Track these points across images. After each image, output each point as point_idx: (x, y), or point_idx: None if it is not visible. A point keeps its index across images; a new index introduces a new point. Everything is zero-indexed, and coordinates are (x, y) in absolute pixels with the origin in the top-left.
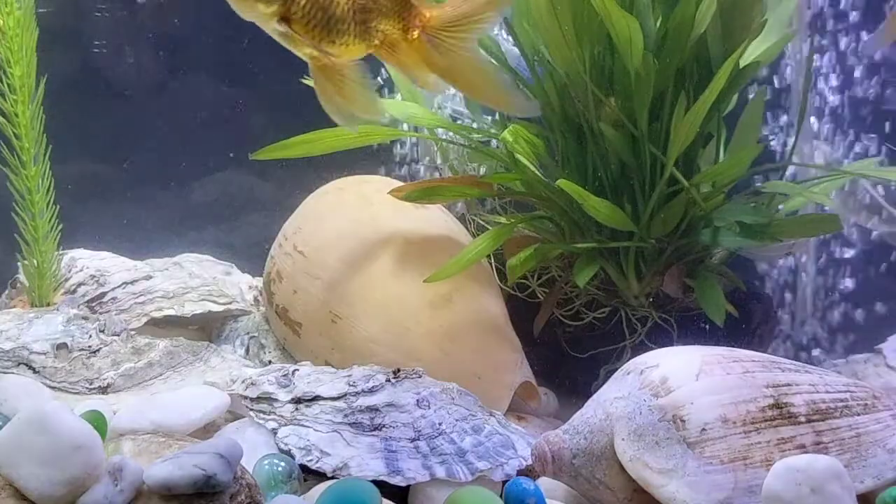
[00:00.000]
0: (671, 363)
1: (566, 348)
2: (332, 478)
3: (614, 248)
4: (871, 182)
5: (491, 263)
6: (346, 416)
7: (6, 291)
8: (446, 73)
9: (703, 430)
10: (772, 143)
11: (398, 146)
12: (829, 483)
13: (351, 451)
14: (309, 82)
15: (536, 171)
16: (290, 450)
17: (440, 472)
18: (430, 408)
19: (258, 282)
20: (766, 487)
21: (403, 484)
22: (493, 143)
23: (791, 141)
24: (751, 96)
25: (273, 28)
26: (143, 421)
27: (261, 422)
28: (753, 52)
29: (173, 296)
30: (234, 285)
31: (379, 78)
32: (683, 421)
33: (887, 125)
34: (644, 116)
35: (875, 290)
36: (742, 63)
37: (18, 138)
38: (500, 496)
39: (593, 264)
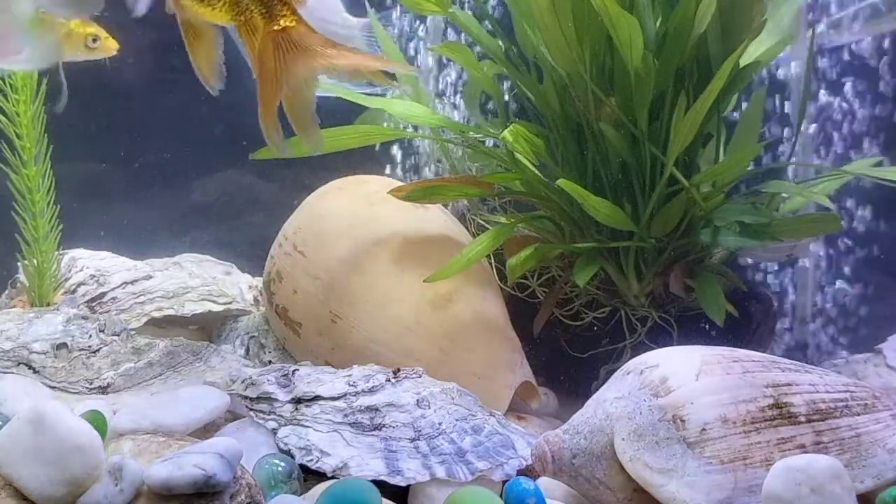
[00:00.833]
0: (671, 363)
1: (566, 348)
2: (332, 478)
3: (614, 247)
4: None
5: (491, 263)
6: (346, 416)
7: (6, 291)
8: (274, 79)
9: (703, 430)
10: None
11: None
12: (829, 483)
13: (351, 451)
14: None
15: (536, 171)
16: (290, 450)
17: (440, 472)
18: (430, 408)
19: (258, 282)
20: (766, 487)
21: (403, 484)
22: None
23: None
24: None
25: None
26: (143, 421)
27: (261, 422)
28: (753, 52)
29: (173, 296)
30: (234, 285)
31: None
32: (683, 421)
33: None
34: (644, 116)
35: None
36: (742, 63)
37: (20, 138)
38: (500, 496)
39: (593, 264)
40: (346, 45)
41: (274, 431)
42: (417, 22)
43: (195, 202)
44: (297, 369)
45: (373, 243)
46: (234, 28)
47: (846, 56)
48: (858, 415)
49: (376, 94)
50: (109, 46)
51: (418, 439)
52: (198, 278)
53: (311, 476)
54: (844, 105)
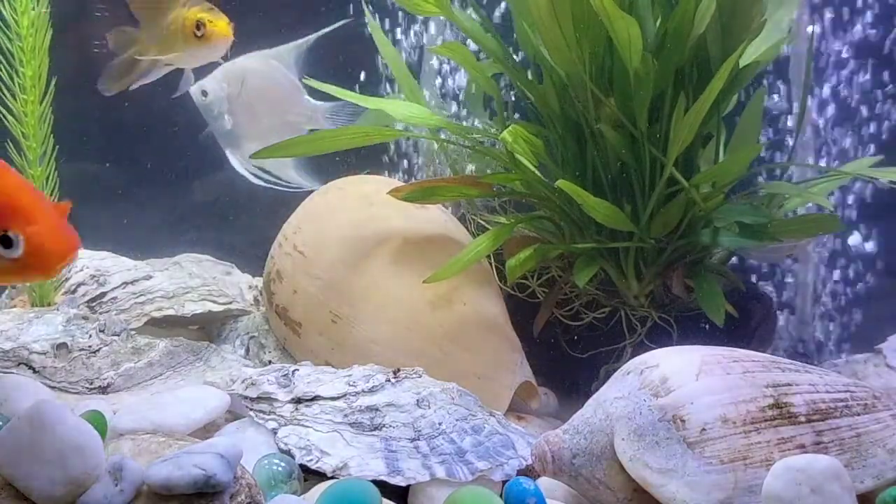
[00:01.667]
0: (671, 363)
1: (566, 348)
2: (332, 478)
3: (614, 248)
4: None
5: (491, 263)
6: (346, 416)
7: (6, 291)
8: None
9: (703, 430)
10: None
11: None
12: (829, 483)
13: (351, 451)
14: (310, 83)
15: (536, 172)
16: (290, 450)
17: (440, 472)
18: (430, 408)
19: (258, 282)
20: (766, 487)
21: (403, 484)
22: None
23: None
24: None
25: None
26: (143, 421)
27: (261, 422)
28: (753, 52)
29: (173, 296)
30: (234, 285)
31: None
32: (683, 421)
33: None
34: (644, 117)
35: None
36: (742, 63)
37: (26, 138)
38: (500, 496)
39: (593, 264)
40: None
41: (274, 431)
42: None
43: (195, 202)
44: (297, 369)
45: (373, 243)
46: None
47: None
48: (858, 415)
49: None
50: (218, 33)
51: (418, 439)
52: (198, 278)
53: (311, 476)
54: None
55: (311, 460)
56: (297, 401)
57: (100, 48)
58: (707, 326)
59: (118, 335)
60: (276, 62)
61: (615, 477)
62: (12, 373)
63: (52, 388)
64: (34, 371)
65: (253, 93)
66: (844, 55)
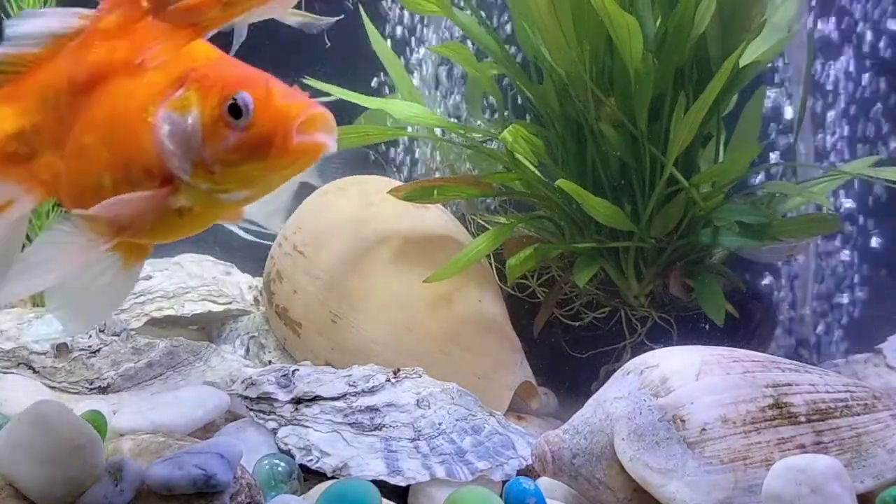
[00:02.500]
0: (671, 363)
1: (566, 348)
2: (332, 478)
3: (614, 248)
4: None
5: (491, 263)
6: (346, 416)
7: None
8: None
9: (703, 430)
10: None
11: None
12: (829, 483)
13: (351, 451)
14: (310, 82)
15: (536, 171)
16: (290, 450)
17: (440, 472)
18: (430, 408)
19: (258, 282)
20: (766, 487)
21: (403, 484)
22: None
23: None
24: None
25: None
26: (143, 421)
27: (261, 422)
28: (753, 52)
29: (173, 296)
30: (234, 285)
31: (377, 78)
32: (683, 421)
33: None
34: (644, 116)
35: None
36: (742, 63)
37: None
38: (500, 496)
39: (593, 264)
40: None
41: (274, 431)
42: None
43: None
44: (297, 369)
45: (373, 243)
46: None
47: None
48: (858, 415)
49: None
50: None
51: (418, 439)
52: (198, 278)
53: (311, 476)
54: None
55: (311, 460)
56: (297, 401)
57: None
58: (707, 326)
59: (118, 335)
60: None
61: (615, 477)
62: (12, 373)
63: (52, 388)
64: (34, 371)
65: None
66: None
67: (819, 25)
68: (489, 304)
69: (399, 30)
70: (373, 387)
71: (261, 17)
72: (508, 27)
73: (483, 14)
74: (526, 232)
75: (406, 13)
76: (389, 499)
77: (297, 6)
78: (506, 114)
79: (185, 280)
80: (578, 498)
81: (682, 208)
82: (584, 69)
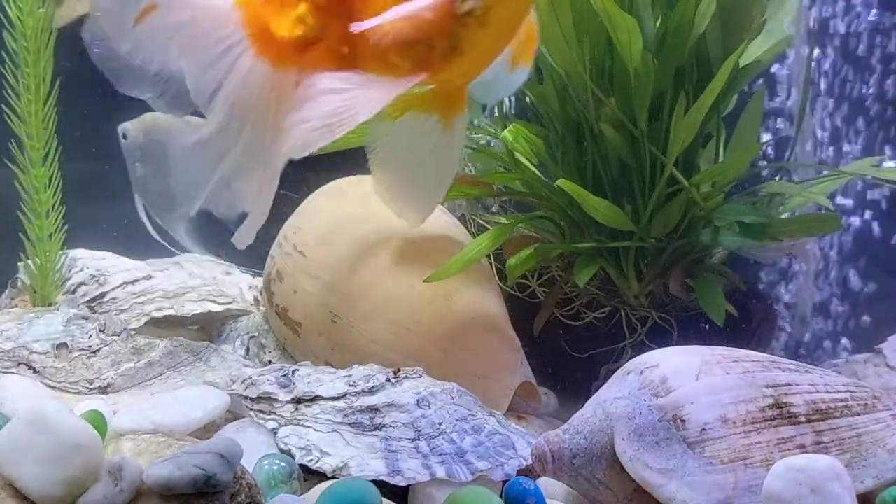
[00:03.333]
0: (671, 363)
1: (566, 348)
2: (332, 478)
3: (614, 247)
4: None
5: (491, 263)
6: (346, 416)
7: (6, 291)
8: None
9: (703, 430)
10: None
11: None
12: (829, 483)
13: (351, 451)
14: None
15: (536, 171)
16: (290, 450)
17: (440, 472)
18: (430, 408)
19: (258, 282)
20: (766, 487)
21: (403, 484)
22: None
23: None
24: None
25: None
26: (143, 421)
27: (261, 422)
28: (753, 52)
29: (173, 296)
30: (234, 285)
31: None
32: (683, 421)
33: None
34: (644, 116)
35: None
36: (742, 63)
37: (31, 138)
38: (500, 496)
39: (593, 264)
40: None
41: (274, 431)
42: None
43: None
44: (297, 369)
45: (373, 243)
46: None
47: None
48: (858, 415)
49: None
50: None
51: (418, 439)
52: (198, 278)
53: (311, 476)
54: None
55: (312, 460)
56: (297, 401)
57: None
58: (707, 326)
59: (118, 335)
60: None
61: (615, 477)
62: (12, 373)
63: (52, 388)
64: (34, 371)
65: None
66: None
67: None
68: (489, 304)
69: None
70: (373, 387)
71: None
72: None
73: None
74: (526, 232)
75: None
76: (389, 499)
77: None
78: (506, 114)
79: (185, 280)
80: (578, 498)
81: (682, 208)
82: (584, 69)
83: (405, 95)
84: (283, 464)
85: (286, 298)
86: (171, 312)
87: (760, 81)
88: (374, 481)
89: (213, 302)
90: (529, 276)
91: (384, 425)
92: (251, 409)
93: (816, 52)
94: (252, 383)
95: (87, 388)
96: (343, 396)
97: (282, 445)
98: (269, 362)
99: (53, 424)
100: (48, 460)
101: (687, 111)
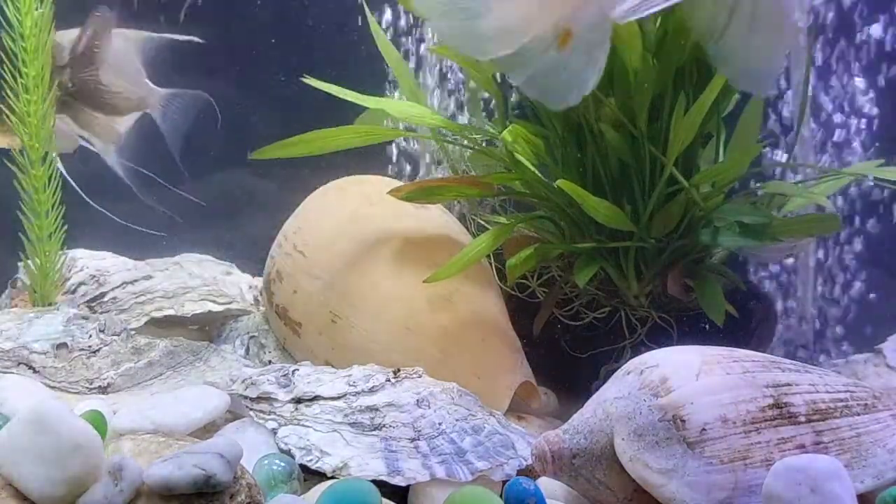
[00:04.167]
0: (671, 363)
1: (566, 348)
2: (332, 478)
3: (614, 248)
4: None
5: (491, 263)
6: (346, 415)
7: (6, 291)
8: None
9: (703, 430)
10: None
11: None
12: (829, 483)
13: (351, 451)
14: (310, 81)
15: (536, 172)
16: (290, 450)
17: (440, 472)
18: (430, 408)
19: (258, 282)
20: (766, 487)
21: (403, 484)
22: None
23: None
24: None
25: None
26: (143, 421)
27: (261, 422)
28: None
29: (173, 296)
30: (234, 285)
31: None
32: (683, 421)
33: None
34: (643, 116)
35: None
36: None
37: (30, 138)
38: (500, 496)
39: (593, 264)
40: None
41: (274, 431)
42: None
43: (196, 202)
44: (297, 369)
45: (373, 243)
46: None
47: None
48: (858, 415)
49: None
50: None
51: (418, 439)
52: (198, 278)
53: (311, 476)
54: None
55: (311, 460)
56: (297, 401)
57: None
58: (707, 326)
59: (118, 335)
60: (130, 40)
61: (615, 477)
62: (12, 373)
63: (52, 388)
64: (34, 371)
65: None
66: None
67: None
68: (489, 304)
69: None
70: (373, 387)
71: None
72: None
73: None
74: (526, 232)
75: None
76: (389, 499)
77: None
78: (506, 114)
79: (185, 280)
80: (578, 498)
81: (682, 208)
82: None
83: None
84: (283, 464)
85: (286, 298)
86: (171, 312)
87: None
88: (374, 481)
89: (213, 302)
90: (529, 276)
91: (384, 425)
92: (251, 409)
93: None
94: (252, 383)
95: (87, 387)
96: (343, 396)
97: (282, 445)
98: (269, 362)
99: (53, 424)
100: (48, 460)
101: (687, 111)
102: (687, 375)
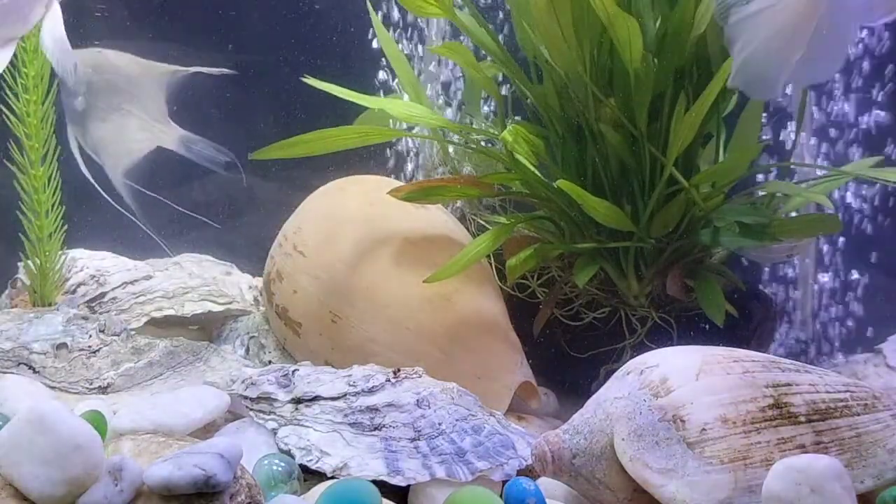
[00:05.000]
0: (671, 363)
1: (566, 348)
2: (332, 478)
3: (614, 248)
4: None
5: (491, 263)
6: (346, 416)
7: (6, 291)
8: None
9: (703, 430)
10: None
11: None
12: (829, 483)
13: (351, 451)
14: (310, 81)
15: (536, 172)
16: (290, 450)
17: (440, 472)
18: (430, 408)
19: (258, 282)
20: (766, 487)
21: (403, 484)
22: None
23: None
24: None
25: None
26: (143, 421)
27: (261, 422)
28: None
29: (173, 296)
30: (234, 285)
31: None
32: (683, 421)
33: None
34: (643, 117)
35: None
36: None
37: (29, 138)
38: (500, 496)
39: (593, 264)
40: None
41: (274, 431)
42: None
43: (195, 202)
44: (297, 369)
45: (373, 243)
46: None
47: None
48: (858, 415)
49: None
50: None
51: (418, 439)
52: (198, 278)
53: (311, 476)
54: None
55: (311, 460)
56: (297, 401)
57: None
58: (707, 326)
59: (118, 335)
60: (153, 75)
61: (615, 477)
62: (12, 373)
63: (52, 388)
64: (34, 371)
65: (116, 87)
66: None
67: None
68: (489, 304)
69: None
70: (373, 387)
71: None
72: (507, 27)
73: (482, 15)
74: (526, 232)
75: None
76: (389, 499)
77: None
78: (506, 114)
79: (185, 280)
80: (578, 498)
81: (682, 208)
82: (583, 69)
83: None
84: (282, 464)
85: (286, 298)
86: (171, 312)
87: None
88: (374, 481)
89: (213, 302)
90: (529, 276)
91: (384, 425)
92: (251, 409)
93: None
94: (252, 383)
95: (87, 388)
96: (343, 396)
97: (282, 445)
98: (269, 362)
99: (53, 424)
100: (48, 460)
101: (687, 111)
102: (687, 375)
